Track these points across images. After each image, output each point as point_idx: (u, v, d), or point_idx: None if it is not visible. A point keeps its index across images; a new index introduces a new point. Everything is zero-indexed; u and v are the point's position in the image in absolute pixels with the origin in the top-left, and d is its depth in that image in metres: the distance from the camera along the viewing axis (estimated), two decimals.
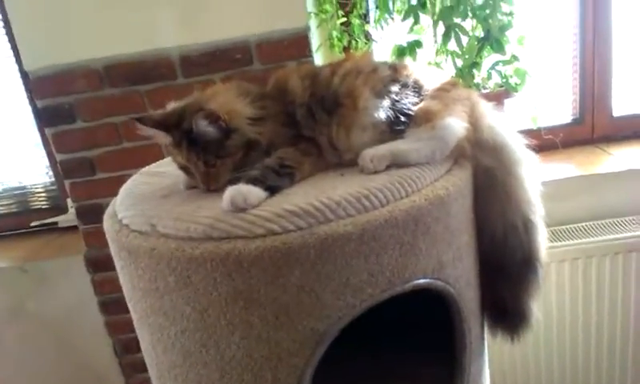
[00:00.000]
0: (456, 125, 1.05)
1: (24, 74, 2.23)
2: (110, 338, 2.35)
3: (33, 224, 2.53)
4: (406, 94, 1.09)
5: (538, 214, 1.15)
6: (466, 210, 1.09)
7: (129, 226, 1.04)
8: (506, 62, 1.90)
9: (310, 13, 1.93)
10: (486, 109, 1.15)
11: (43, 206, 2.60)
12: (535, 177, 1.15)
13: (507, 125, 1.14)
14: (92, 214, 2.23)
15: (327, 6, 1.88)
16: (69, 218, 2.50)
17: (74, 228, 2.33)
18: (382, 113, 1.06)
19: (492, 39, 1.87)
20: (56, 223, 2.55)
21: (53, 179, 2.54)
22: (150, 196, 1.12)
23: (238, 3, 1.98)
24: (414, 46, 1.90)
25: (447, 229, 1.03)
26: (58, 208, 2.58)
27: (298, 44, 2.01)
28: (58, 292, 2.32)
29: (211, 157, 1.00)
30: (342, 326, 0.96)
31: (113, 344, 2.36)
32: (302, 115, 1.11)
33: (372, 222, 0.93)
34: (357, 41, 1.95)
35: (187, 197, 1.07)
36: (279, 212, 0.92)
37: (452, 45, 1.85)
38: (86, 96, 2.10)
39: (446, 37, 1.83)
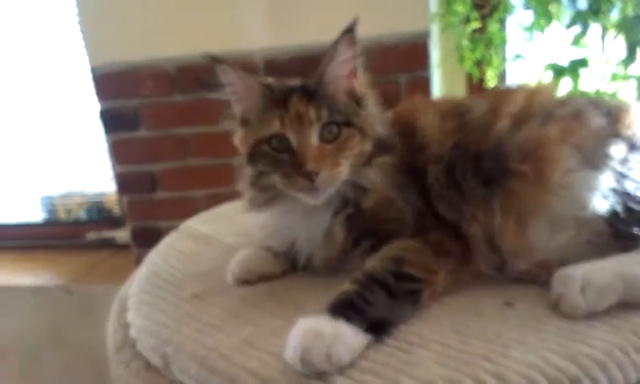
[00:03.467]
0: None
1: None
2: None
3: (89, 238, 2.25)
4: None
5: None
6: None
7: (135, 344, 0.62)
8: None
9: (435, 15, 1.44)
10: None
11: (107, 217, 2.32)
12: None
13: None
14: (149, 237, 1.89)
15: (459, 7, 1.38)
16: (127, 234, 2.20)
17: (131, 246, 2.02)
18: (600, 198, 0.56)
19: None
20: (113, 238, 2.25)
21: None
22: (178, 290, 0.69)
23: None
24: (578, 65, 1.36)
25: None
26: (120, 222, 2.29)
27: (413, 53, 1.52)
28: (103, 321, 2.01)
29: (336, 119, 0.64)
30: None
31: None
32: (439, 179, 0.64)
33: None
34: (494, 54, 1.43)
35: (233, 306, 0.63)
36: None
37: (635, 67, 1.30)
38: (152, 101, 1.75)
39: (630, 57, 1.28)
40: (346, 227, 0.64)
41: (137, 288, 0.72)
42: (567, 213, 0.57)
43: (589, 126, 0.61)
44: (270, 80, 0.70)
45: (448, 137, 0.66)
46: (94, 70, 1.76)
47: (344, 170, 0.63)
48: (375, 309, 0.53)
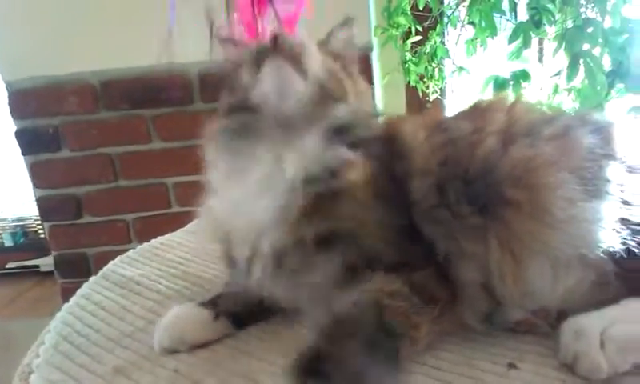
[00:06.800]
0: None
1: None
2: None
3: (9, 266, 1.97)
4: None
5: None
6: None
7: None
8: None
9: (377, 27, 1.34)
10: None
11: (32, 242, 2.04)
12: None
13: None
14: (74, 267, 1.67)
15: (401, 19, 1.29)
16: (51, 261, 1.94)
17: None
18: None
19: (627, 75, 1.27)
20: (37, 266, 1.98)
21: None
22: (96, 363, 0.52)
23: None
24: (520, 77, 1.30)
25: None
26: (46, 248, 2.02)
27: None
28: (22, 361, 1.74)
29: None
30: None
31: None
32: (427, 196, 0.51)
33: None
34: (439, 68, 1.35)
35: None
36: None
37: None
38: (75, 119, 1.54)
39: (573, 69, 1.23)
40: (310, 203, 0.50)
41: (42, 360, 0.54)
42: (572, 251, 0.46)
43: (582, 145, 0.50)
44: None
45: (435, 151, 0.53)
46: (8, 86, 1.52)
47: None
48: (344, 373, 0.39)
